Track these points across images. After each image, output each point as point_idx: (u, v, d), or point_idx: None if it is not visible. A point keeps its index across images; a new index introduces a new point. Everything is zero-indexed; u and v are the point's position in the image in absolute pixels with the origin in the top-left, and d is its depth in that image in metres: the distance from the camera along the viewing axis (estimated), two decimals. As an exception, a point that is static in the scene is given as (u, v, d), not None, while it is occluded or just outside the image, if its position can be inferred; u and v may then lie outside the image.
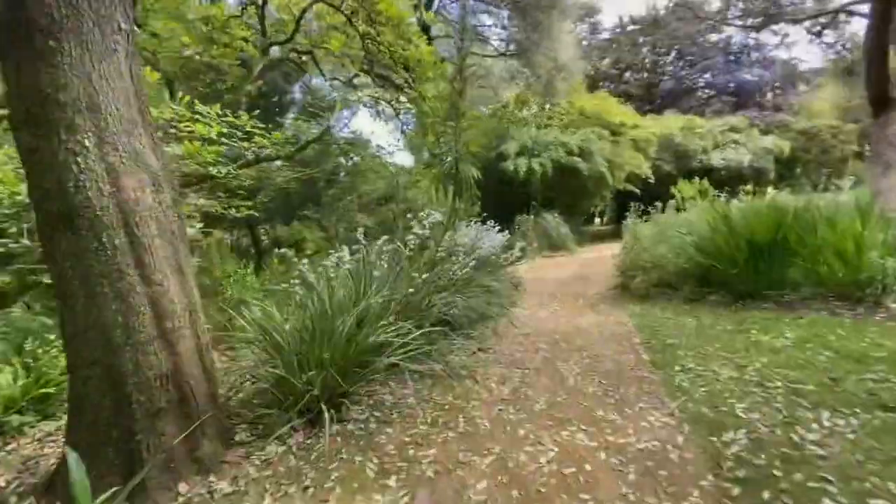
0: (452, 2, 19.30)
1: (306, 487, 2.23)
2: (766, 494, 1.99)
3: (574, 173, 15.39)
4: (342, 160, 11.32)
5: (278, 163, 13.73)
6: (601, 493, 2.11)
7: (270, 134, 5.17)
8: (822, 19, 25.24)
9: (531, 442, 2.60)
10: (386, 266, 3.75)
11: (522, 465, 2.36)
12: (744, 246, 5.43)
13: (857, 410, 2.58)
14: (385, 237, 3.88)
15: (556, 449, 2.51)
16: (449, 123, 4.32)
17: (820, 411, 2.62)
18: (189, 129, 4.96)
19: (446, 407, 3.05)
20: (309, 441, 2.58)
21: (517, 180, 14.93)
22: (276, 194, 7.78)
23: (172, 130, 4.97)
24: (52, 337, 3.29)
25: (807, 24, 25.72)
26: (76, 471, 1.51)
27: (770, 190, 23.93)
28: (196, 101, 4.73)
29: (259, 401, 2.69)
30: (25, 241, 3.70)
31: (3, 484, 2.33)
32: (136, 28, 2.55)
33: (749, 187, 18.01)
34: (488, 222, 8.82)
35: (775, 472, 2.13)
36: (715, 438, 2.48)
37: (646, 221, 9.58)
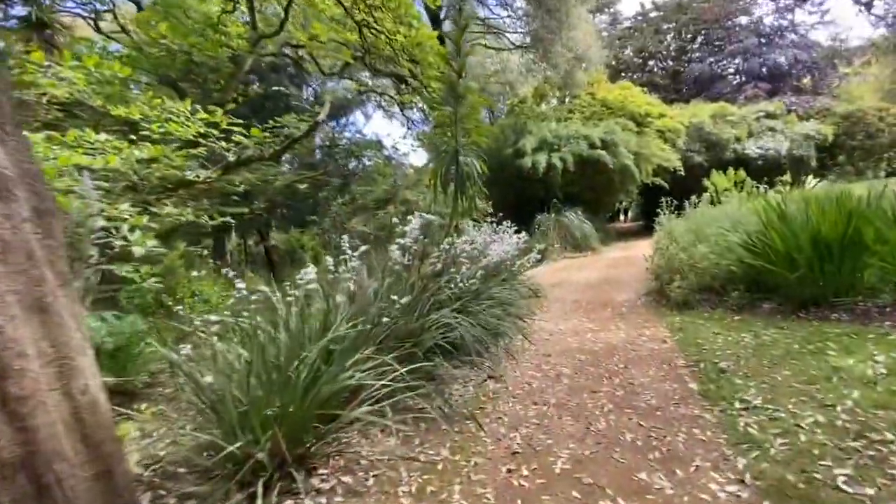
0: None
1: None
2: None
3: (597, 167, 14.47)
4: (352, 162, 10.78)
5: (286, 167, 13.35)
6: None
7: (249, 132, 4.61)
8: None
9: (550, 526, 1.90)
10: (367, 283, 3.11)
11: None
12: (806, 244, 4.57)
13: None
14: (364, 247, 3.24)
15: (585, 540, 1.81)
16: (446, 109, 3.66)
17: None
18: (163, 129, 4.45)
19: (439, 467, 2.36)
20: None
21: (536, 177, 14.12)
22: (279, 199, 7.27)
23: (145, 132, 4.47)
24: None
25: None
26: None
27: (810, 179, 22.42)
28: (164, 98, 4.21)
29: (188, 469, 2.08)
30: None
31: None
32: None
33: (787, 177, 16.72)
34: (504, 223, 8.11)
35: None
36: (815, 530, 1.73)
37: (679, 217, 8.69)
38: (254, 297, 2.57)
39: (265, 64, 10.93)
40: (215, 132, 4.39)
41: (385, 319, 2.82)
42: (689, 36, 30.35)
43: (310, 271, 2.62)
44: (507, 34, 18.92)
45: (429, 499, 2.11)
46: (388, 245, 4.13)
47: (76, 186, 3.38)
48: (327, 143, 7.60)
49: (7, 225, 1.46)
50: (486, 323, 4.15)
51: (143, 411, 2.62)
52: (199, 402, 2.09)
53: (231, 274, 2.85)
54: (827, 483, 1.98)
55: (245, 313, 2.40)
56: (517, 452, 2.50)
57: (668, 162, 16.63)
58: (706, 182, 12.80)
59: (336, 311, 2.60)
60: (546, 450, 2.52)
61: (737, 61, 29.90)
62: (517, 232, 8.05)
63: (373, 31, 6.39)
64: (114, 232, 3.17)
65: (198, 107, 4.22)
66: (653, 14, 31.06)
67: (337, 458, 2.32)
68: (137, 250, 2.97)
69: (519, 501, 2.07)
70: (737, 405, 2.83)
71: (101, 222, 3.26)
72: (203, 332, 2.37)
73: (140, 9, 8.38)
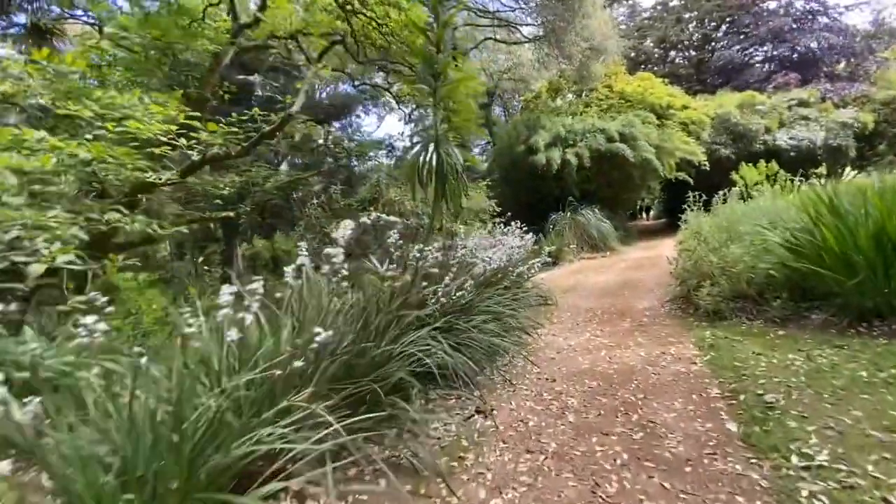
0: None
1: None
2: None
3: (615, 162, 13.63)
4: (353, 162, 10.29)
5: (285, 167, 12.94)
6: None
7: (206, 127, 4.10)
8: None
9: None
10: (321, 301, 2.53)
11: None
12: (866, 243, 3.79)
13: None
14: (339, 255, 2.65)
15: None
16: (421, 88, 3.04)
17: None
18: (121, 128, 3.97)
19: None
20: None
21: (550, 174, 13.38)
22: (269, 202, 6.80)
23: (101, 130, 4.00)
24: None
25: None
26: None
27: (848, 171, 20.84)
28: (116, 91, 3.75)
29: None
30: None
31: None
32: None
33: (822, 169, 15.48)
34: (513, 223, 7.46)
35: None
36: None
37: (706, 214, 7.87)
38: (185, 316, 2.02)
39: (266, 64, 10.58)
40: (174, 127, 3.90)
41: (335, 349, 2.23)
42: (713, 24, 28.91)
43: (232, 288, 2.06)
44: (518, 27, 18.18)
45: None
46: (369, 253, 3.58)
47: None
48: (329, 143, 7.09)
49: None
50: (480, 341, 3.53)
51: None
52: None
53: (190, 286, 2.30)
54: None
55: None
56: (496, 533, 1.88)
57: (693, 155, 15.62)
58: (734, 176, 11.88)
59: (266, 340, 2.03)
60: (536, 528, 1.89)
61: (765, 48, 28.35)
62: (527, 233, 7.40)
63: (360, 17, 5.84)
64: (29, 244, 2.68)
65: (146, 98, 3.72)
66: (673, 3, 29.75)
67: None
68: (62, 260, 2.47)
69: None
70: (794, 460, 2.14)
71: (15, 233, 2.79)
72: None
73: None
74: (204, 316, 2.23)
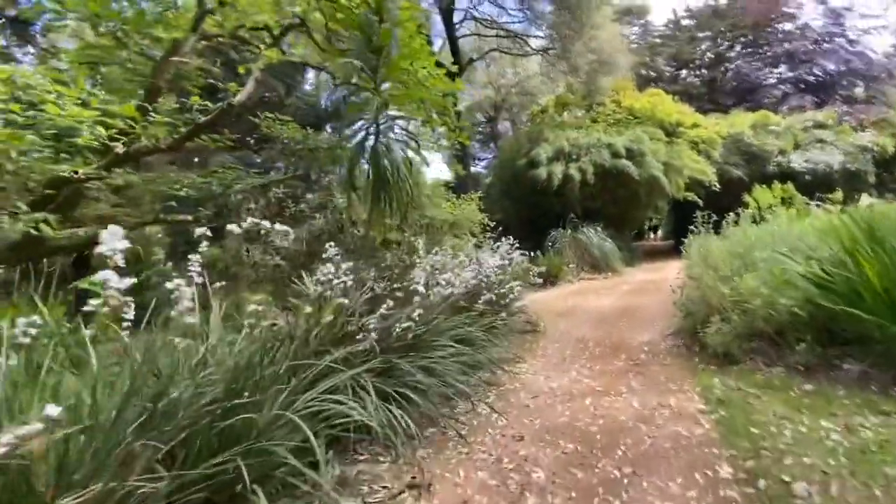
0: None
1: None
2: None
3: (621, 179, 12.97)
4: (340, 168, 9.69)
5: (274, 173, 12.37)
6: None
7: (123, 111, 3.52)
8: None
9: None
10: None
11: None
12: (916, 281, 3.07)
13: None
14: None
15: None
16: (356, 65, 2.40)
17: None
18: (30, 112, 3.39)
19: None
20: None
21: (551, 190, 12.74)
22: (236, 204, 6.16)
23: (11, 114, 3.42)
24: None
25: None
26: None
27: (864, 197, 20.05)
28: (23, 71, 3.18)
29: None
30: None
31: None
32: None
33: (837, 195, 14.71)
34: (504, 238, 6.79)
35: None
36: None
37: (716, 236, 7.15)
38: None
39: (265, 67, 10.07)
40: (88, 114, 3.31)
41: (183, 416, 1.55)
42: (726, 44, 28.38)
43: (32, 320, 1.41)
44: (525, 38, 17.75)
45: None
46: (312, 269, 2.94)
47: None
48: (295, 144, 6.47)
49: None
50: (430, 385, 2.83)
51: None
52: None
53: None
54: None
55: None
56: None
57: (703, 175, 14.90)
58: (746, 198, 11.18)
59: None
60: None
61: (780, 70, 27.74)
62: (517, 249, 6.73)
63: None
64: None
65: (44, 79, 3.15)
66: (685, 22, 29.32)
67: None
68: None
69: None
70: None
71: None
72: None
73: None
74: None
